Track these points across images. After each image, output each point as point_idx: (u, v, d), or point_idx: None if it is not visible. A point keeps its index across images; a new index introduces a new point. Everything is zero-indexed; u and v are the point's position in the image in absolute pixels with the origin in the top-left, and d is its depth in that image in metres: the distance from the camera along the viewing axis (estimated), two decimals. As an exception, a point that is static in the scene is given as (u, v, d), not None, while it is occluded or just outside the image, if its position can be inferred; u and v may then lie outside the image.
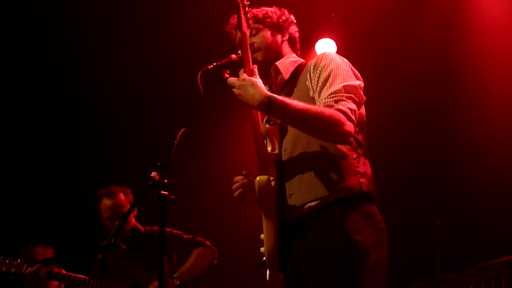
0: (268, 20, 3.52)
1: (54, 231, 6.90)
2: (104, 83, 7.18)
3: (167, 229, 5.13)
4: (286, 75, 3.44)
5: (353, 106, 3.10)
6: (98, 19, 6.78)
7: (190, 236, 5.32)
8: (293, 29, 3.63)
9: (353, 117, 3.07)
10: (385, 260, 3.12)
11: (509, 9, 6.45)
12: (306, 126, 3.07)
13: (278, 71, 3.45)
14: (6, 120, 7.19)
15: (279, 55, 3.50)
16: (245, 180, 3.32)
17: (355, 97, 3.14)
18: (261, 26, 3.51)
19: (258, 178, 3.15)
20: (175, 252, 5.24)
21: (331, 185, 3.11)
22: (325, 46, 6.92)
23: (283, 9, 3.64)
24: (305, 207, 3.14)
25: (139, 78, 7.17)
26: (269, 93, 3.03)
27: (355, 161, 3.16)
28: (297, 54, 3.62)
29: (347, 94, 3.11)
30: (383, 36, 6.86)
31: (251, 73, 3.13)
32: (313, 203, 3.12)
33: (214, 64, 3.31)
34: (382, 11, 6.66)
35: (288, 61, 3.49)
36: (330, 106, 3.07)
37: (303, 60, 3.53)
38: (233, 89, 3.08)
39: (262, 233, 3.24)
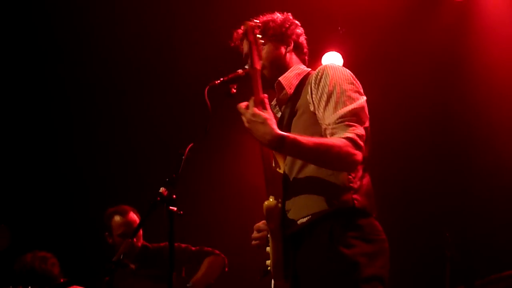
0: (271, 32, 3.45)
1: (58, 245, 6.89)
2: (112, 97, 7.20)
3: (174, 244, 5.12)
4: (290, 90, 3.39)
5: (361, 131, 3.05)
6: (107, 38, 6.83)
7: (198, 247, 5.32)
8: (298, 33, 3.56)
9: (361, 143, 3.02)
10: (383, 272, 3.06)
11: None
12: (317, 162, 3.07)
13: (281, 87, 3.41)
14: (15, 130, 7.21)
15: (285, 68, 3.45)
16: (264, 233, 3.35)
17: (362, 119, 3.11)
18: (263, 41, 3.44)
19: (266, 203, 3.13)
20: (183, 265, 5.24)
21: (323, 201, 3.09)
22: (332, 59, 6.92)
23: (285, 13, 3.58)
24: (298, 222, 3.14)
25: (147, 94, 7.19)
26: (279, 132, 2.93)
27: (351, 177, 3.13)
28: (304, 60, 3.57)
29: (355, 118, 3.07)
30: (390, 49, 6.87)
31: (262, 103, 3.01)
32: (304, 219, 3.12)
33: (221, 79, 3.30)
34: (388, 24, 6.67)
35: (292, 75, 3.43)
36: (339, 133, 3.03)
37: (309, 70, 3.48)
38: (243, 119, 2.99)
39: (268, 246, 3.24)
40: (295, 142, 2.94)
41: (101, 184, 7.21)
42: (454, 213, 6.81)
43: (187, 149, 3.17)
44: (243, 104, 2.99)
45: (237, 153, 7.10)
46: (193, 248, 5.30)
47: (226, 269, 5.36)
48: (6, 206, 6.73)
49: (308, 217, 3.11)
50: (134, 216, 5.26)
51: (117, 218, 5.23)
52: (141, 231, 5.27)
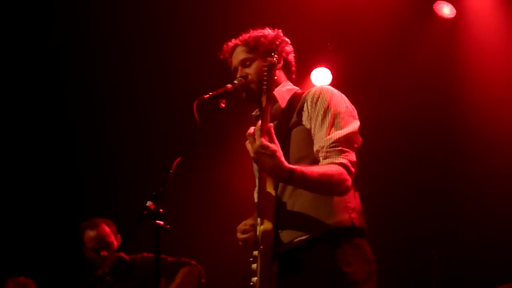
0: (262, 48, 3.46)
1: (39, 258, 6.86)
2: (100, 112, 7.18)
3: (150, 255, 5.07)
4: (283, 103, 3.40)
5: (354, 158, 3.11)
6: (95, 50, 6.83)
7: (174, 258, 5.26)
8: (288, 52, 3.56)
9: (353, 169, 3.08)
10: None
11: (506, 35, 6.50)
12: (318, 191, 3.10)
13: (275, 100, 3.40)
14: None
15: (274, 84, 3.39)
16: (251, 234, 3.33)
17: (354, 144, 3.16)
18: (254, 56, 3.46)
19: (262, 228, 3.12)
20: (162, 276, 5.18)
21: (321, 221, 3.11)
22: (321, 75, 6.94)
23: (276, 30, 3.58)
24: (295, 241, 3.14)
25: (135, 107, 7.17)
26: (288, 165, 2.93)
27: (347, 197, 3.16)
28: (292, 79, 3.57)
29: (348, 144, 3.12)
30: (379, 65, 6.89)
31: (269, 133, 2.94)
32: (303, 237, 3.12)
33: (210, 93, 3.30)
34: (377, 40, 6.70)
35: (284, 89, 3.44)
36: (332, 158, 3.07)
37: (298, 88, 3.50)
38: (248, 148, 2.95)
39: (255, 263, 3.21)
40: (302, 176, 2.96)
41: (87, 196, 7.18)
42: (441, 230, 6.83)
43: (175, 163, 3.16)
44: (251, 131, 2.95)
45: (225, 167, 7.10)
46: (170, 259, 5.21)
47: (203, 280, 5.29)
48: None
49: (307, 236, 3.11)
50: (106, 229, 5.18)
51: (88, 232, 5.16)
52: (115, 243, 5.21)
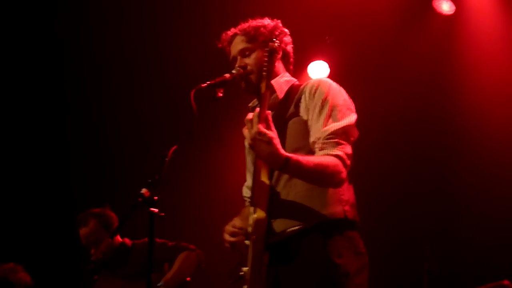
0: (261, 38, 3.44)
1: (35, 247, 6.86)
2: (96, 100, 7.17)
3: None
4: (280, 94, 3.40)
5: (350, 151, 3.12)
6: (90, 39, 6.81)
7: (174, 242, 5.26)
8: (287, 42, 3.56)
9: (348, 162, 3.09)
10: (366, 285, 3.14)
11: (505, 32, 6.51)
12: (313, 181, 3.10)
13: (272, 90, 3.39)
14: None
15: (273, 74, 3.39)
16: (241, 238, 3.24)
17: (351, 137, 3.16)
18: (253, 46, 3.45)
19: (256, 216, 3.10)
20: (164, 262, 5.19)
21: (314, 212, 3.12)
22: (318, 68, 6.94)
23: (275, 20, 3.57)
24: (287, 231, 3.14)
25: (132, 96, 7.16)
26: (285, 153, 2.94)
27: (340, 189, 3.17)
28: (290, 70, 3.57)
29: (345, 136, 3.13)
30: (377, 60, 6.89)
31: (266, 121, 2.96)
32: (296, 228, 3.13)
33: (208, 82, 3.30)
34: (376, 35, 6.69)
35: (282, 80, 3.45)
36: (329, 149, 3.08)
37: (296, 80, 3.50)
38: (245, 134, 2.95)
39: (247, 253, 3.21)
40: (298, 164, 2.97)
41: (84, 183, 7.18)
42: (434, 226, 6.84)
43: (171, 151, 3.16)
44: (249, 117, 2.94)
45: (221, 156, 7.10)
46: (170, 244, 5.22)
47: (203, 265, 5.29)
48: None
49: (299, 226, 3.12)
50: (94, 227, 5.20)
51: (79, 230, 5.23)
52: (106, 236, 5.21)
